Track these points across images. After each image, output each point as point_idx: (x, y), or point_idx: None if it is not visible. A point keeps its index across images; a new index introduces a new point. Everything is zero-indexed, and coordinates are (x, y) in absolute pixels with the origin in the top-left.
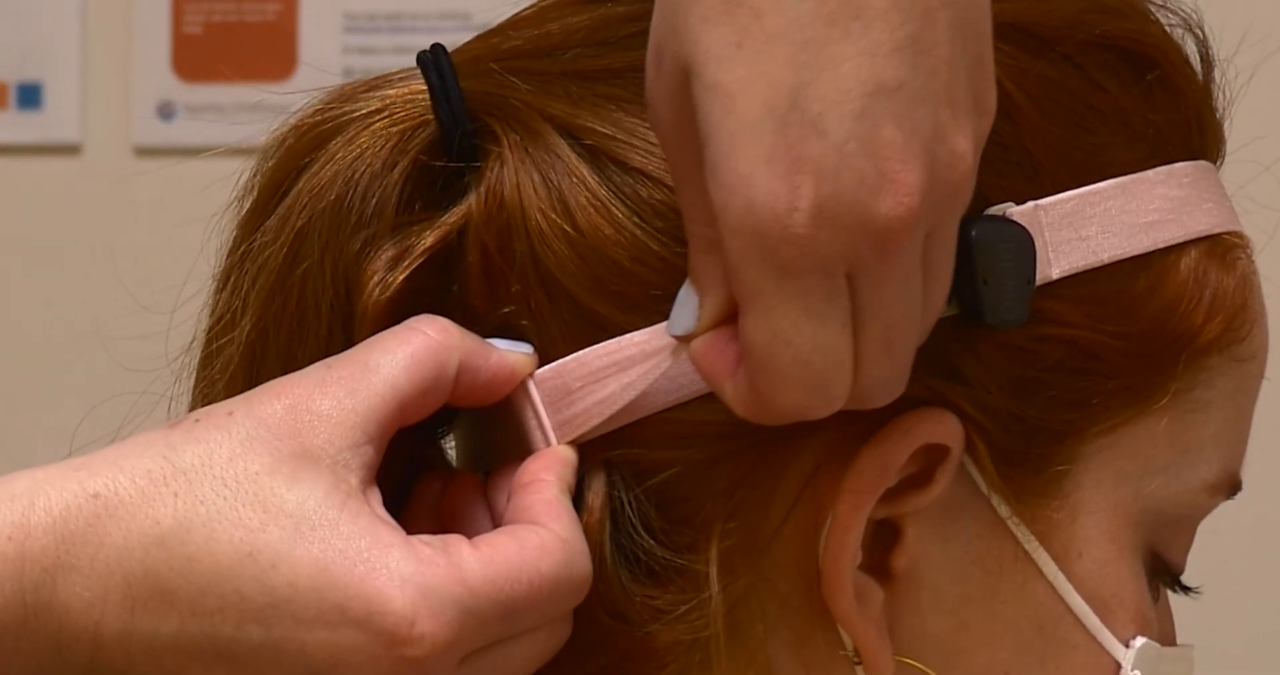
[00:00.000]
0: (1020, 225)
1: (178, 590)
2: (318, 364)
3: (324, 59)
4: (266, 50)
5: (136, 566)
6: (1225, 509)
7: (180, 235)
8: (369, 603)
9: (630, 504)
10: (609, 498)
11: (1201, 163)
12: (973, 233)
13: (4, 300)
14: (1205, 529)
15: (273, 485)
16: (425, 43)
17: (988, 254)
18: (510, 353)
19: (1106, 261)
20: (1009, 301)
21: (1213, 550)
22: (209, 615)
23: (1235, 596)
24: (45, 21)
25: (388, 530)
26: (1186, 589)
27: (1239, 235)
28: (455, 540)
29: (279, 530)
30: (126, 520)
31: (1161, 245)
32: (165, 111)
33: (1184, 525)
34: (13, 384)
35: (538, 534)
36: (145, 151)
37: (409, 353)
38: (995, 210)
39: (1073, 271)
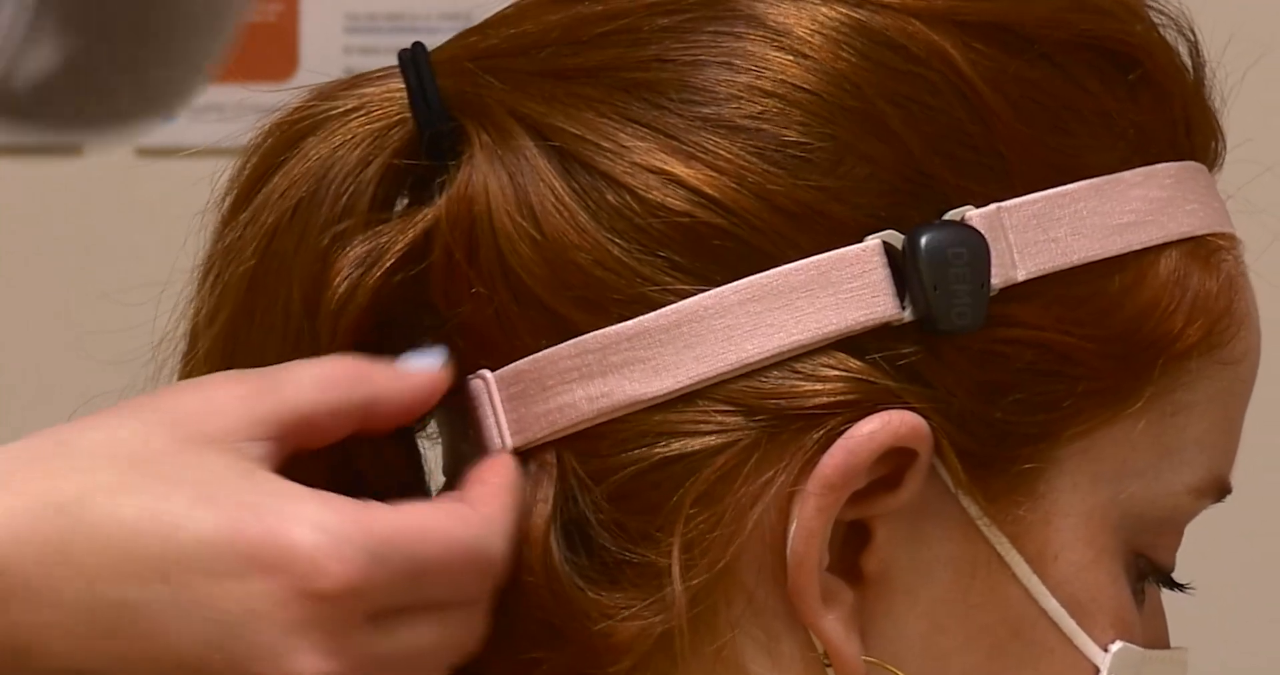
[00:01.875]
0: (973, 229)
1: (80, 556)
2: (232, 370)
3: (325, 59)
4: (267, 50)
5: (37, 533)
6: (1226, 509)
7: (180, 235)
8: (277, 547)
9: (586, 502)
10: (561, 495)
11: (1189, 163)
12: (921, 239)
13: (4, 300)
14: (1204, 529)
15: (175, 460)
16: (426, 43)
17: (936, 260)
18: (418, 373)
19: (1077, 263)
20: (962, 307)
21: (1214, 550)
22: (112, 580)
23: (1236, 598)
24: None
25: (297, 487)
26: (1179, 586)
27: (1226, 237)
28: (372, 501)
29: (183, 497)
30: (25, 491)
31: (1136, 247)
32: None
33: (1168, 528)
34: (12, 383)
35: (459, 507)
36: (145, 152)
37: (321, 373)
38: (952, 214)
39: (1040, 273)
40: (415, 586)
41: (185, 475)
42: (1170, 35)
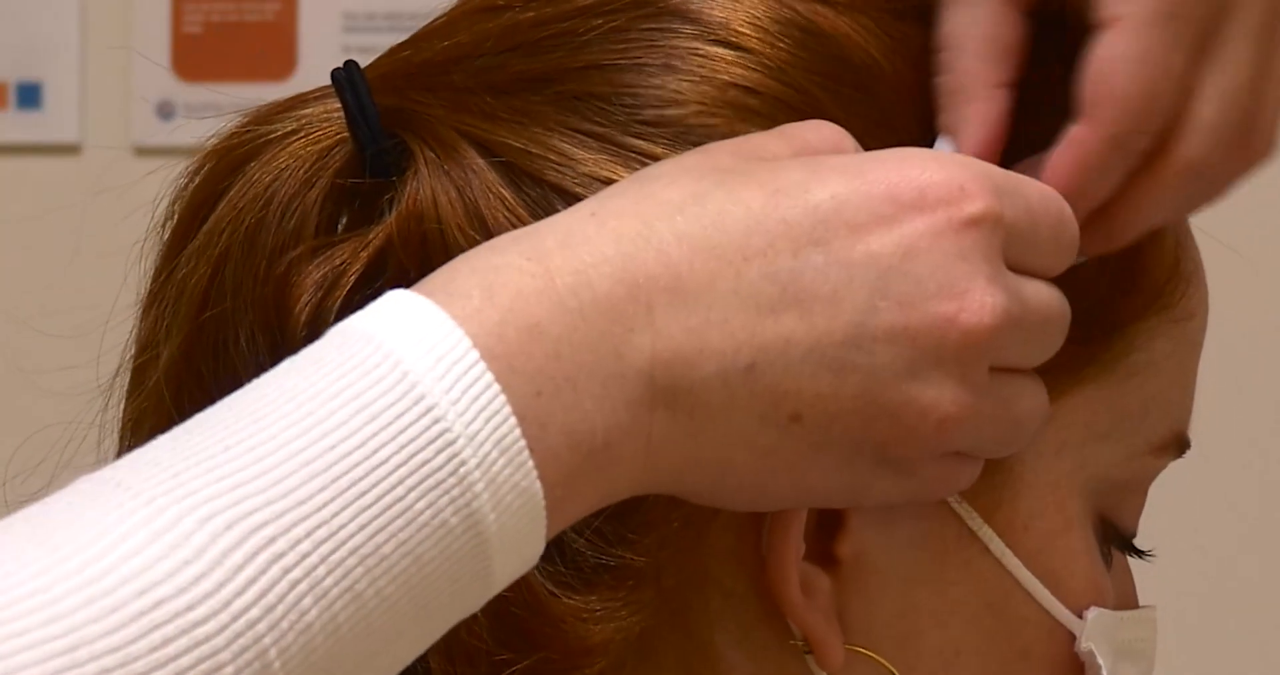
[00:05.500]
0: None
1: (719, 244)
2: None
3: (323, 59)
4: (266, 50)
5: (669, 236)
6: (1225, 512)
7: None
8: (917, 186)
9: None
10: None
11: None
12: None
13: (4, 300)
14: (1205, 530)
15: (763, 164)
16: None
17: None
18: None
19: None
20: None
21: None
22: (761, 254)
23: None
24: (45, 21)
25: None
26: (1140, 552)
27: None
28: None
29: (796, 170)
30: (641, 210)
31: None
32: (165, 111)
33: (1132, 488)
34: (14, 381)
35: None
36: (145, 151)
37: None
38: None
39: None
40: (1033, 225)
41: (784, 160)
42: None
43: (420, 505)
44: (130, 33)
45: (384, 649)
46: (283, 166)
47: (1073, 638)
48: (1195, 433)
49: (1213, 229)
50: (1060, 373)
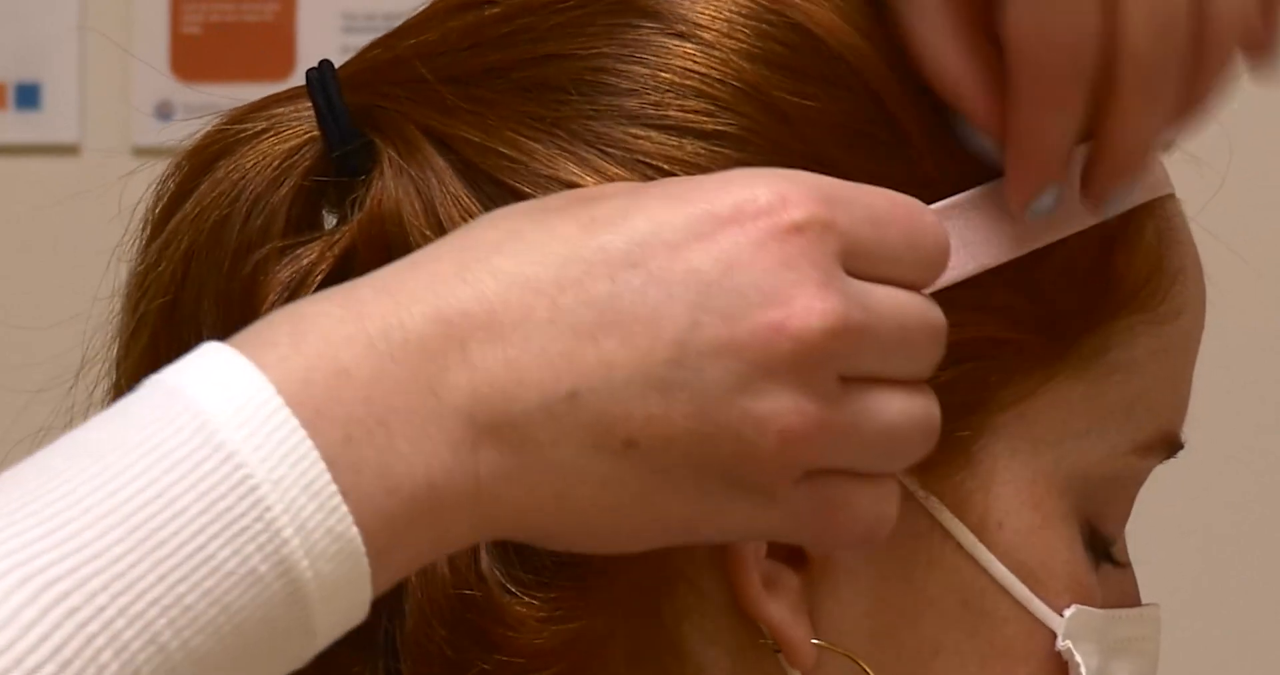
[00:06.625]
0: None
1: (534, 276)
2: None
3: (322, 59)
4: (265, 50)
5: (484, 274)
6: (1227, 513)
7: None
8: (733, 197)
9: None
10: None
11: None
12: None
13: (5, 299)
14: (1204, 531)
15: (567, 203)
16: None
17: None
18: None
19: (975, 272)
20: None
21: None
22: (577, 283)
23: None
24: (44, 21)
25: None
26: (1116, 562)
27: (1155, 199)
28: None
29: (616, 199)
30: (458, 253)
31: (1031, 248)
32: (164, 112)
33: (1117, 489)
34: (11, 380)
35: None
36: (144, 152)
37: None
38: None
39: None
40: (877, 232)
41: (604, 190)
42: None
43: (224, 553)
44: (129, 33)
45: None
46: (252, 164)
47: (1053, 636)
48: (1195, 434)
49: (1213, 228)
50: (1029, 369)
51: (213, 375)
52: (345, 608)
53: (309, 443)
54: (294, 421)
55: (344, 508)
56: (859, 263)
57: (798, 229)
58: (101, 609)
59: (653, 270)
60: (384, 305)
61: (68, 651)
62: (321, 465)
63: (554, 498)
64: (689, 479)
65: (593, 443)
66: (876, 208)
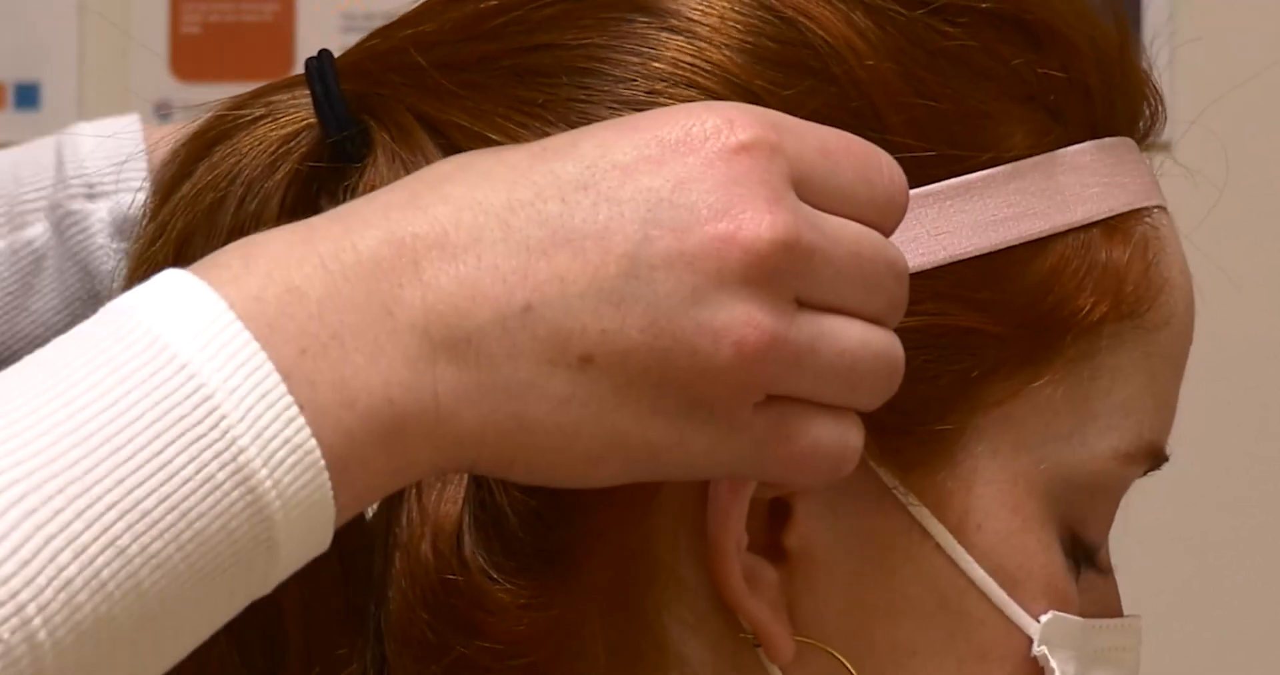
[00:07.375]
0: None
1: (485, 200)
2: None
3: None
4: (264, 50)
5: (435, 199)
6: (1228, 514)
7: None
8: (681, 122)
9: (503, 497)
10: (476, 491)
11: (1105, 140)
12: None
13: None
14: (1203, 530)
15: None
16: None
17: None
18: None
19: (957, 258)
20: None
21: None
22: (528, 204)
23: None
24: (43, 21)
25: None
26: (1100, 570)
27: (1142, 208)
28: None
29: (567, 132)
30: (411, 184)
31: (1014, 242)
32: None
33: (1100, 496)
34: None
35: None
36: None
37: None
38: None
39: (922, 269)
40: (828, 163)
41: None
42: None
43: (181, 459)
44: (128, 33)
45: (163, 612)
46: (247, 149)
47: (1030, 641)
48: (1194, 435)
49: (1211, 238)
50: (1013, 369)
51: (165, 295)
52: (307, 526)
53: (263, 354)
54: (247, 334)
55: (301, 418)
56: (812, 192)
57: (744, 148)
58: (58, 511)
59: (603, 190)
60: (335, 229)
61: (25, 552)
62: (276, 376)
63: (513, 418)
64: (647, 398)
65: (549, 358)
66: (828, 140)
